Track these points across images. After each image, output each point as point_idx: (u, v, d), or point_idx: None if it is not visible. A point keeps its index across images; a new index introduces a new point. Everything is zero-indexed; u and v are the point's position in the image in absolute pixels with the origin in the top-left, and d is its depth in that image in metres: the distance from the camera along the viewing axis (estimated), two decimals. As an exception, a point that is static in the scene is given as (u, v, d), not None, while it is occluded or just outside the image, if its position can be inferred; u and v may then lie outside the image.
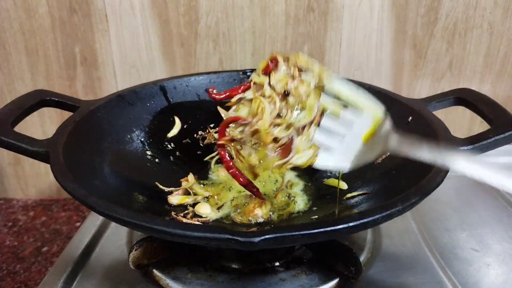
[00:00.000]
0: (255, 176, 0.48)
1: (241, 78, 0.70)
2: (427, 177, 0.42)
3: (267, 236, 0.34)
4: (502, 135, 0.47)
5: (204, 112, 0.68)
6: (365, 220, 0.36)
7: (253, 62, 0.79)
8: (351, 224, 0.35)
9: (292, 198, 0.58)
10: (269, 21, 0.76)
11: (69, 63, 0.77)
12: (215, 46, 0.77)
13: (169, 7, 0.74)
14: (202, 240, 0.35)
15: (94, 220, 0.61)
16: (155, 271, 0.50)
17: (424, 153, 0.38)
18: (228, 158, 0.48)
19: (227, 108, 0.49)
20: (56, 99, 0.57)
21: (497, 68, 0.79)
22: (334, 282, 0.49)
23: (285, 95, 0.41)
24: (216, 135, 0.66)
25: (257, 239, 0.33)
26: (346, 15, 0.75)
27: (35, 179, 0.85)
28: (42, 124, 0.81)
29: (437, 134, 0.50)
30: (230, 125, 0.45)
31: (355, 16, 0.75)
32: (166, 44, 0.77)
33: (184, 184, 0.59)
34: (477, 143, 0.48)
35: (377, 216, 0.36)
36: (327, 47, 0.78)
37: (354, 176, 0.57)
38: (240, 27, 0.76)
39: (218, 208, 0.56)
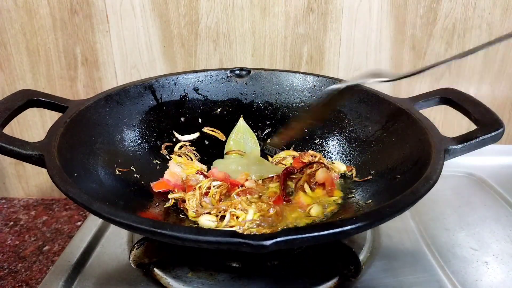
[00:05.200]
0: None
1: (228, 77, 0.70)
2: (424, 176, 0.43)
3: (278, 239, 0.34)
4: (489, 135, 0.49)
5: (192, 111, 0.68)
6: (372, 220, 0.37)
7: (253, 62, 0.79)
8: (359, 224, 0.36)
9: None
10: (269, 22, 0.76)
11: (70, 63, 0.78)
12: (215, 47, 0.78)
13: (170, 8, 0.75)
14: (213, 245, 0.35)
15: (95, 220, 0.62)
16: (156, 270, 0.50)
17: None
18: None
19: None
20: (44, 99, 0.56)
21: (496, 69, 0.79)
22: (334, 280, 0.49)
23: None
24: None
25: (268, 242, 0.33)
26: (345, 16, 0.76)
27: (36, 179, 0.86)
28: (43, 124, 0.81)
29: (426, 133, 0.51)
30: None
31: (354, 17, 0.76)
32: (167, 45, 0.77)
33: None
34: (465, 142, 0.49)
35: (381, 216, 0.37)
36: (327, 48, 0.78)
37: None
38: (240, 28, 0.76)
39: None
